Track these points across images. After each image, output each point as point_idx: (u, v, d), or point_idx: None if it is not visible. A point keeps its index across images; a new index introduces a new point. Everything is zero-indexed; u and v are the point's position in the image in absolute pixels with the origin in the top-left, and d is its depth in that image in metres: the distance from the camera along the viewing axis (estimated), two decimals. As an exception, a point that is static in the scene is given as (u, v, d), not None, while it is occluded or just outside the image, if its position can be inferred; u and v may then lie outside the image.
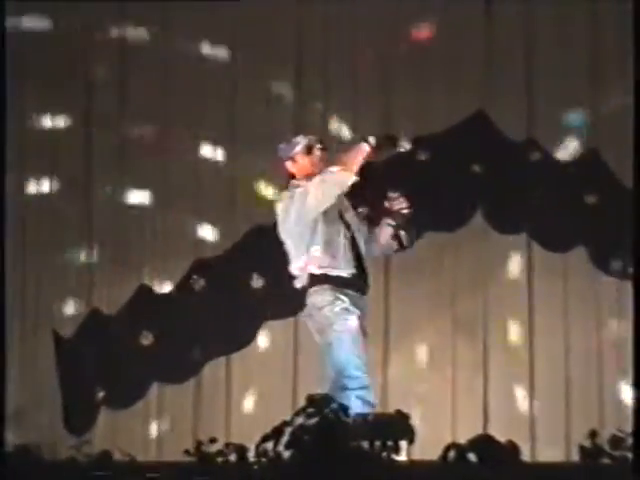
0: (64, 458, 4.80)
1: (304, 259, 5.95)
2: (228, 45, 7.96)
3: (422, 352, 7.81)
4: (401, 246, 6.11)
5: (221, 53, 7.97)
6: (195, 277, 7.75)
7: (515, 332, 7.78)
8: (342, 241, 5.94)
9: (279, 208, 5.98)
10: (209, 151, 7.94)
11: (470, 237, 7.78)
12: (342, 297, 5.89)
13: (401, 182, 7.36)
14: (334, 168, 5.82)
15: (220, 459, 4.46)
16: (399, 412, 5.06)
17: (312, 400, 4.52)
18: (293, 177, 6.05)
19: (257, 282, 7.72)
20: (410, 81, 7.82)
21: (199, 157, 7.92)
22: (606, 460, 4.45)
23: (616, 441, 4.48)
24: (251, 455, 4.47)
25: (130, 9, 7.97)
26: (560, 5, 7.79)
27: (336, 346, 5.93)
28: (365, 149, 5.82)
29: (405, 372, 7.75)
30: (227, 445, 4.53)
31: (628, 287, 7.63)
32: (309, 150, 6.02)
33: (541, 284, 7.78)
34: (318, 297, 5.92)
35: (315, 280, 5.93)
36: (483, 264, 7.81)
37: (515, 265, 7.82)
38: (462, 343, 7.75)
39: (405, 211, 6.02)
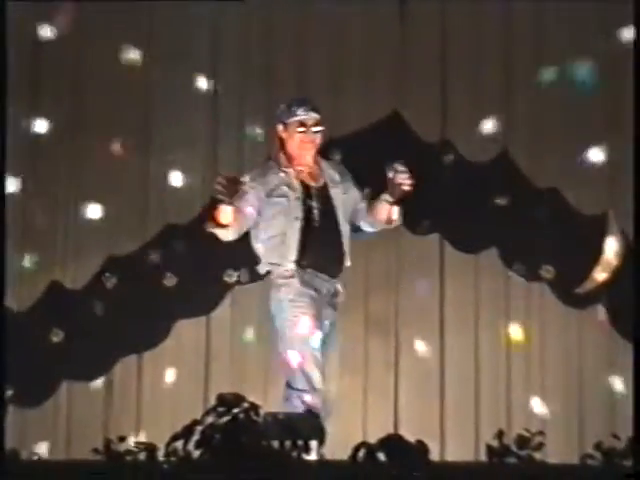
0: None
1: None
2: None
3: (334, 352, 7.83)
4: (389, 222, 6.06)
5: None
6: (107, 274, 7.73)
7: (426, 331, 7.82)
8: (287, 233, 5.87)
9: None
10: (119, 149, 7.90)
11: (383, 238, 7.79)
12: (285, 288, 5.88)
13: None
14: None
15: (129, 457, 4.46)
16: (310, 411, 5.09)
17: (223, 399, 4.53)
18: (281, 143, 5.99)
19: (170, 280, 7.70)
20: (326, 82, 7.82)
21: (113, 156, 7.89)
22: (512, 459, 4.51)
23: (522, 441, 4.54)
24: (161, 454, 4.47)
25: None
26: (475, 5, 7.83)
27: (282, 344, 5.89)
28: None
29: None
30: (137, 444, 4.53)
31: (537, 287, 7.73)
32: (302, 125, 5.95)
33: (453, 284, 7.83)
34: (271, 292, 5.95)
35: (268, 276, 5.96)
36: (396, 264, 7.84)
37: (428, 265, 7.85)
38: (374, 343, 7.78)
39: (406, 187, 5.92)
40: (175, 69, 7.80)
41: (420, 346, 7.82)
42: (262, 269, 6.03)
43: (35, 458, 4.93)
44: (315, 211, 5.94)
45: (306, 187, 5.98)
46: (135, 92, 7.84)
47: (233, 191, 5.64)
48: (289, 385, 5.81)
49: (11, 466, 4.57)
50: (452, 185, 7.77)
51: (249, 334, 7.79)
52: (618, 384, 7.71)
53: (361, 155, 7.67)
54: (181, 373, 7.74)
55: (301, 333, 5.83)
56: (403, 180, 5.91)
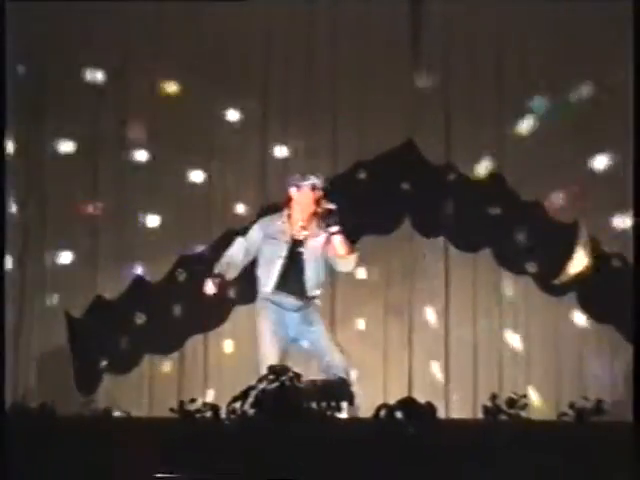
0: (74, 414, 4.81)
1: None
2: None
3: (360, 330, 7.83)
4: (342, 255, 6.13)
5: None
6: (180, 270, 7.74)
7: (434, 315, 7.79)
8: (271, 265, 6.12)
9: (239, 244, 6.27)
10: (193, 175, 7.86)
11: (400, 240, 7.81)
12: (268, 304, 6.13)
13: (345, 197, 7.43)
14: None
15: (198, 415, 4.49)
16: (341, 379, 5.10)
17: (272, 370, 4.56)
18: (289, 201, 6.18)
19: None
20: (353, 113, 7.77)
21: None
22: (504, 417, 4.51)
23: (512, 402, 4.54)
24: (223, 413, 4.50)
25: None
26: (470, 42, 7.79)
27: (258, 340, 6.18)
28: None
29: (346, 346, 7.74)
30: (204, 404, 4.56)
31: (522, 279, 7.71)
32: (314, 188, 6.10)
33: (455, 278, 7.81)
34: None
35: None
36: (410, 261, 7.83)
37: (435, 262, 7.82)
38: (392, 323, 7.76)
39: (332, 208, 6.05)
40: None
41: (429, 326, 7.78)
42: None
43: (125, 416, 4.94)
44: (298, 256, 6.14)
45: (294, 238, 6.18)
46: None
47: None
48: None
49: (106, 422, 4.61)
50: (454, 199, 7.73)
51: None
52: (587, 355, 7.69)
53: (382, 175, 7.68)
54: (238, 348, 7.73)
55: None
56: (326, 205, 6.06)
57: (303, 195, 6.16)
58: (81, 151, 7.79)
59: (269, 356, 6.02)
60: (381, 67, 7.75)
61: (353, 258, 6.19)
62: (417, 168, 7.67)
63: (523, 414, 4.51)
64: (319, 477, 4.25)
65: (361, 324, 7.82)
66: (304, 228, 6.19)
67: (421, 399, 4.57)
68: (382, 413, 4.46)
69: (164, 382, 7.67)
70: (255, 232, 6.25)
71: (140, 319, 7.65)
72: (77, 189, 7.76)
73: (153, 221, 7.79)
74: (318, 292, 6.22)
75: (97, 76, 7.79)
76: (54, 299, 7.70)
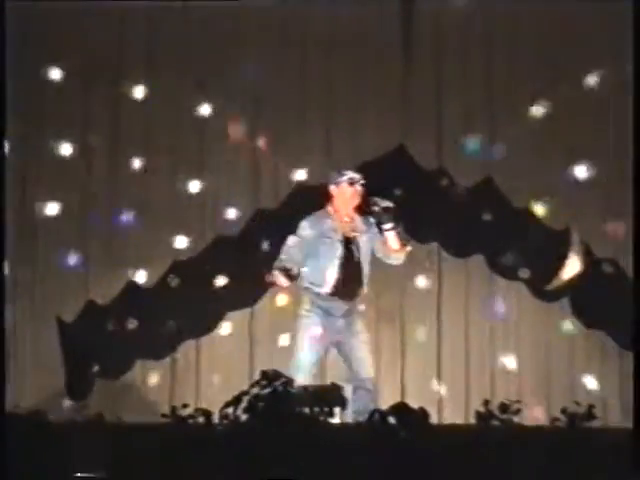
0: (66, 419, 4.80)
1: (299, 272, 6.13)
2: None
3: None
4: (396, 251, 6.20)
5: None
6: (172, 276, 7.74)
7: (426, 321, 7.79)
8: (329, 266, 6.06)
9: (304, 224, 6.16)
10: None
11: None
12: (315, 309, 6.06)
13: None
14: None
15: (191, 421, 4.49)
16: (334, 384, 5.09)
17: (265, 375, 4.55)
18: (330, 199, 6.17)
19: (221, 280, 7.71)
20: (347, 119, 7.78)
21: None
22: (496, 422, 4.52)
23: (503, 407, 4.55)
24: (215, 418, 4.50)
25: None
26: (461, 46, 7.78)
27: (297, 345, 6.07)
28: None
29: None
30: (196, 410, 4.55)
31: (515, 285, 7.72)
32: (352, 184, 6.11)
33: (448, 282, 7.81)
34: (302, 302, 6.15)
35: (303, 290, 6.16)
36: (403, 265, 7.82)
37: (428, 267, 7.82)
38: (384, 331, 7.76)
39: (389, 206, 6.09)
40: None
41: (421, 332, 7.79)
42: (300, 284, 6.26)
43: (116, 421, 4.93)
44: (353, 254, 6.15)
45: (345, 236, 6.18)
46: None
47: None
48: None
49: (98, 426, 4.61)
50: (446, 204, 7.74)
51: (284, 321, 7.80)
52: (580, 361, 7.70)
53: (374, 180, 7.66)
54: (231, 354, 7.73)
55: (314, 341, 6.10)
56: (382, 204, 6.08)
57: (342, 191, 6.17)
58: (75, 154, 7.77)
59: (306, 363, 6.04)
60: (373, 72, 7.76)
61: (404, 252, 6.26)
62: (409, 173, 7.68)
63: (515, 419, 4.52)
64: (312, 482, 4.26)
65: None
66: (351, 225, 6.19)
67: (414, 404, 4.57)
68: (375, 418, 4.46)
69: (156, 387, 7.67)
70: (306, 231, 6.16)
71: (132, 324, 7.64)
72: (70, 191, 7.74)
73: (145, 226, 7.76)
74: (366, 291, 6.25)
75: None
76: (46, 303, 7.69)
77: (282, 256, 6.14)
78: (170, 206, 7.73)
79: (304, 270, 6.15)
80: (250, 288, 7.71)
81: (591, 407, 4.54)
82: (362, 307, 6.33)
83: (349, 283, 6.13)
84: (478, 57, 7.79)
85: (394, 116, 7.76)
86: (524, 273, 7.66)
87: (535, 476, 4.30)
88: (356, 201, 6.18)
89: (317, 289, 6.13)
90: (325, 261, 6.11)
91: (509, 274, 7.72)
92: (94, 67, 7.70)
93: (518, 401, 4.62)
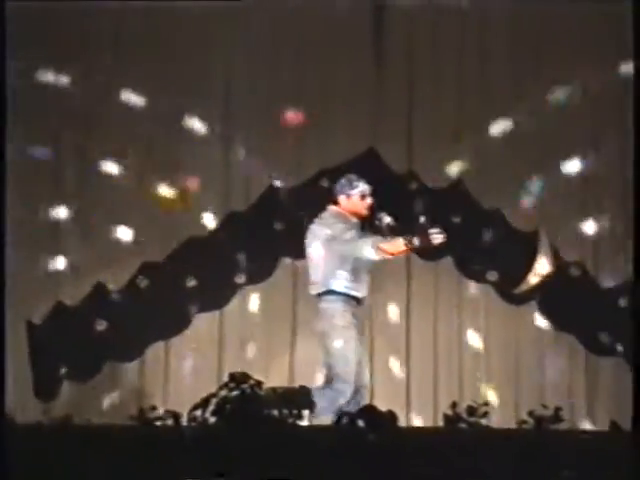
0: (33, 421, 4.78)
1: (325, 276, 6.00)
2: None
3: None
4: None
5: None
6: (141, 277, 7.71)
7: (395, 322, 7.81)
8: (363, 267, 6.02)
9: (319, 225, 6.05)
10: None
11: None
12: (347, 313, 5.99)
13: (308, 205, 7.43)
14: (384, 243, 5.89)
15: (159, 423, 4.48)
16: (302, 387, 5.12)
17: (233, 377, 4.55)
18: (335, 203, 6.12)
19: (190, 282, 7.69)
20: (315, 121, 7.76)
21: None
22: (463, 425, 4.53)
23: (471, 410, 4.57)
24: (184, 420, 4.49)
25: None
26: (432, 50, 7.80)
27: (336, 355, 5.99)
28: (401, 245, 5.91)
29: (307, 351, 7.76)
30: (165, 412, 4.54)
31: (483, 288, 7.75)
32: (363, 197, 6.08)
33: (417, 286, 7.83)
34: (327, 305, 6.02)
35: (334, 293, 5.99)
36: (372, 266, 7.83)
37: (397, 270, 7.83)
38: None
39: (392, 224, 6.07)
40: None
41: (389, 334, 7.79)
42: (318, 289, 6.12)
43: (85, 423, 4.92)
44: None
45: None
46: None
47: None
48: (330, 387, 5.96)
49: (66, 429, 4.59)
50: (416, 207, 7.74)
51: (254, 323, 7.81)
52: (546, 364, 7.74)
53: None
54: (199, 356, 7.72)
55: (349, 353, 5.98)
56: (386, 220, 6.04)
57: (353, 203, 6.12)
58: (49, 159, 7.72)
59: (352, 365, 5.99)
60: (344, 74, 7.76)
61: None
62: (379, 176, 7.69)
63: (483, 422, 4.54)
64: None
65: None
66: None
67: (382, 407, 4.58)
68: (343, 420, 4.47)
69: (125, 389, 7.63)
70: (352, 228, 6.06)
71: (101, 326, 7.61)
72: (42, 194, 7.70)
73: (115, 228, 7.74)
74: None
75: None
76: (14, 305, 7.64)
77: (349, 240, 5.97)
78: (140, 207, 7.70)
79: (340, 273, 6.03)
80: (220, 290, 7.71)
81: (558, 410, 4.57)
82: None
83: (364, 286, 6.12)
84: (449, 60, 7.80)
85: (365, 119, 7.76)
86: (492, 276, 7.69)
87: (502, 477, 4.32)
88: (365, 214, 6.14)
89: (354, 292, 6.07)
90: (361, 263, 6.04)
91: (478, 277, 7.75)
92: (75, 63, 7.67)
93: (486, 404, 4.64)
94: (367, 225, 6.23)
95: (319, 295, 6.08)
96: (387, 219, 6.09)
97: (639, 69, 7.18)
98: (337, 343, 5.99)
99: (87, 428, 4.87)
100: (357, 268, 6.03)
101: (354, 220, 6.16)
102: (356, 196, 6.11)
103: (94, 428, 4.94)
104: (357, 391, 6.09)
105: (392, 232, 6.04)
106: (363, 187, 6.12)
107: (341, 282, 6.03)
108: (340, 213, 6.15)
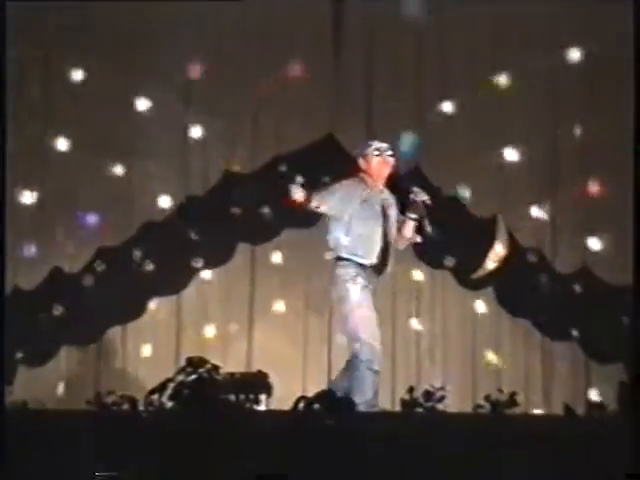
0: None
1: (335, 242, 6.01)
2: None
3: (280, 323, 7.84)
4: (423, 236, 6.11)
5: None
6: (98, 261, 7.67)
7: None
8: (371, 236, 5.96)
9: (338, 187, 6.04)
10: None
11: (320, 232, 7.80)
12: (360, 277, 5.90)
13: (267, 189, 7.44)
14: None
15: (115, 408, 4.46)
16: (260, 371, 5.11)
17: (190, 362, 4.55)
18: (359, 172, 6.09)
19: (148, 266, 7.67)
20: (274, 111, 7.74)
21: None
22: (420, 409, 4.56)
23: (428, 395, 4.60)
24: (140, 405, 4.48)
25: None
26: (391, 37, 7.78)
27: (350, 318, 5.91)
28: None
29: (266, 338, 7.77)
30: (121, 397, 4.53)
31: (440, 273, 7.77)
32: (379, 153, 6.05)
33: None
34: (342, 270, 5.95)
35: (342, 259, 5.97)
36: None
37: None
38: (311, 317, 7.78)
39: (428, 202, 6.01)
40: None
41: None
42: (332, 255, 6.07)
43: (41, 408, 4.89)
44: (386, 224, 6.07)
45: (382, 204, 6.09)
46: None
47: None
48: (356, 356, 5.87)
49: (21, 414, 4.56)
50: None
51: (211, 308, 7.80)
52: (502, 349, 7.80)
53: (302, 168, 7.67)
54: (157, 340, 7.70)
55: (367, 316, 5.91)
56: (423, 197, 6.01)
57: (371, 162, 6.09)
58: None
59: (376, 335, 5.90)
60: (302, 61, 7.75)
61: (410, 242, 6.20)
62: (337, 161, 7.70)
63: (440, 406, 4.57)
64: (236, 468, 4.26)
65: (281, 318, 7.82)
66: (383, 196, 6.10)
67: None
68: (300, 405, 4.48)
69: (81, 374, 7.60)
70: (348, 193, 6.01)
71: (57, 310, 7.57)
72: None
73: (72, 211, 7.69)
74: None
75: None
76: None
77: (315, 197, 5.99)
78: (98, 191, 7.65)
79: (345, 238, 5.98)
80: (177, 275, 7.69)
81: (513, 394, 4.60)
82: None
83: (384, 256, 6.02)
84: (408, 46, 7.81)
85: (324, 105, 7.75)
86: (449, 262, 7.72)
87: (458, 461, 4.35)
88: (387, 171, 6.10)
89: (361, 260, 5.98)
90: (370, 229, 5.99)
91: (435, 263, 7.78)
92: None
93: (442, 388, 4.66)
94: (401, 202, 6.18)
95: (335, 261, 6.06)
96: (424, 196, 6.04)
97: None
98: (352, 304, 5.93)
99: (42, 413, 4.83)
100: (363, 235, 5.99)
101: (370, 192, 6.06)
102: (372, 154, 6.10)
103: (49, 413, 4.90)
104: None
105: (423, 209, 6.02)
106: (379, 145, 6.12)
107: (347, 248, 6.00)
108: (358, 181, 6.10)
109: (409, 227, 6.09)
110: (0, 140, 6.48)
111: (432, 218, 6.09)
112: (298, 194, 5.95)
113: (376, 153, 6.10)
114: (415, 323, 7.83)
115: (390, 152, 6.13)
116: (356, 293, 5.92)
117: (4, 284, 6.77)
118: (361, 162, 6.15)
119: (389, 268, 6.10)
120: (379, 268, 6.02)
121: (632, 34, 6.99)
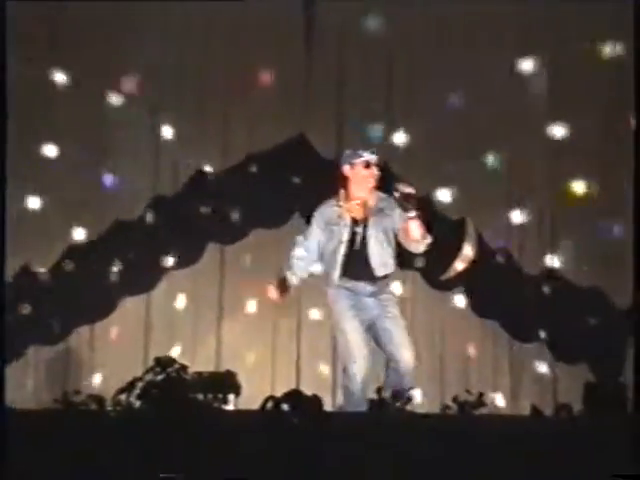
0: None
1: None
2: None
3: (249, 323, 7.83)
4: (417, 240, 5.94)
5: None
6: (67, 261, 7.64)
7: (322, 310, 7.81)
8: (337, 250, 5.98)
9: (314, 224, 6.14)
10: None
11: (290, 233, 7.81)
12: (340, 291, 5.99)
13: (235, 190, 7.44)
14: None
15: (83, 407, 4.45)
16: (228, 371, 5.10)
17: (159, 361, 4.54)
18: (345, 180, 6.03)
19: (117, 266, 7.64)
20: (246, 112, 7.73)
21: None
22: (388, 410, 4.57)
23: (396, 395, 4.61)
24: (108, 404, 4.46)
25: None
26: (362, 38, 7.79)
27: (340, 341, 6.06)
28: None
29: (234, 336, 7.76)
30: (89, 396, 4.51)
31: (410, 274, 7.80)
32: (367, 165, 5.98)
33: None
34: (329, 291, 6.06)
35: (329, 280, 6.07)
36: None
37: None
38: (281, 316, 7.77)
39: (407, 192, 5.79)
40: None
41: (317, 320, 7.80)
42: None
43: (8, 407, 4.87)
44: (358, 237, 5.99)
45: (353, 219, 6.03)
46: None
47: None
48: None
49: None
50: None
51: (181, 307, 7.78)
52: (471, 350, 7.82)
53: (272, 168, 7.68)
54: (125, 339, 7.68)
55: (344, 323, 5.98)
56: (408, 189, 5.82)
57: (357, 173, 6.00)
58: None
59: (359, 343, 5.95)
60: (274, 61, 7.75)
61: (426, 243, 6.02)
62: (308, 162, 7.70)
63: (408, 407, 4.58)
64: (204, 469, 4.25)
65: (250, 317, 7.81)
66: (363, 206, 6.03)
67: (308, 391, 4.59)
68: (268, 405, 4.48)
69: (49, 373, 7.56)
70: (314, 225, 6.08)
71: (25, 309, 7.53)
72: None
73: (42, 210, 7.64)
74: (388, 272, 6.04)
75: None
76: None
77: (287, 264, 6.11)
78: (67, 190, 7.62)
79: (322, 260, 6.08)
80: (146, 274, 7.67)
81: (481, 395, 4.62)
82: (391, 289, 6.21)
83: (357, 265, 5.95)
84: (379, 45, 7.81)
85: (294, 104, 7.75)
86: (419, 262, 7.73)
87: (426, 461, 4.36)
88: (371, 184, 6.00)
89: (330, 276, 6.02)
90: (333, 246, 5.99)
91: (405, 263, 7.78)
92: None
93: (410, 389, 4.67)
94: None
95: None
96: (405, 189, 5.81)
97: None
98: (338, 326, 6.01)
99: (10, 412, 4.80)
100: (331, 250, 6.03)
101: (337, 210, 6.06)
102: (360, 165, 6.01)
103: (17, 412, 4.87)
104: (388, 370, 6.04)
105: (411, 202, 5.81)
106: (369, 157, 6.02)
107: (325, 268, 6.11)
108: (329, 204, 6.10)
109: (413, 226, 5.89)
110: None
111: (415, 204, 5.88)
112: (273, 294, 6.16)
113: (364, 165, 6.01)
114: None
115: (378, 165, 6.04)
116: (339, 312, 6.01)
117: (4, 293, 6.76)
118: (346, 169, 6.07)
119: (380, 272, 6.04)
120: (359, 276, 6.00)
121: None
